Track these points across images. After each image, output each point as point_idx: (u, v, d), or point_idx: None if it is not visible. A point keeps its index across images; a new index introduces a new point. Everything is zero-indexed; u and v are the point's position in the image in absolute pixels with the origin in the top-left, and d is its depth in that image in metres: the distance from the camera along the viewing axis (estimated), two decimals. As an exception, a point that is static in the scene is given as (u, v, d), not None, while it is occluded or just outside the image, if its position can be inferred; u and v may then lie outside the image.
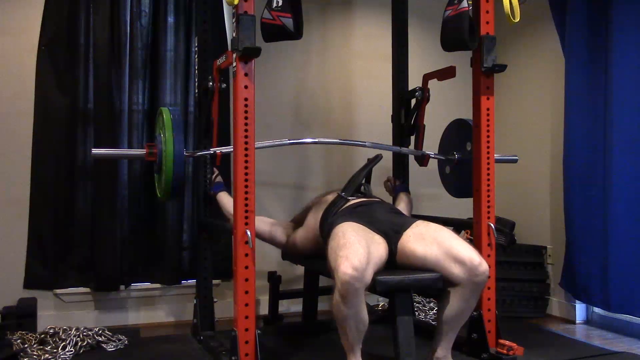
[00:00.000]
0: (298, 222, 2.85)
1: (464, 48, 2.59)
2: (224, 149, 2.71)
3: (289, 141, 2.97)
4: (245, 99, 2.23)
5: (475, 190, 2.66)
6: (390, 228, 2.36)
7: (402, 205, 3.09)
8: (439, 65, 3.09)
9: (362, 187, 2.77)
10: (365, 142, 3.09)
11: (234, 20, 2.23)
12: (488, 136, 2.63)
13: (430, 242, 2.26)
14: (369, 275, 2.07)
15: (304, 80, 3.78)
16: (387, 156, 3.17)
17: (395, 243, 2.32)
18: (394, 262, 2.32)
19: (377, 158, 3.00)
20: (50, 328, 2.87)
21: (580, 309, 3.42)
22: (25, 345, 2.74)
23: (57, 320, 3.09)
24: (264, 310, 3.39)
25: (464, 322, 2.33)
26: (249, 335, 2.22)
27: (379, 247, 2.24)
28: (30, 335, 2.85)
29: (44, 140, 3.19)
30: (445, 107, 3.55)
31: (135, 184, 3.36)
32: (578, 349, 2.85)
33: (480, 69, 2.59)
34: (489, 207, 2.63)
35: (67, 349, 2.69)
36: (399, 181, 3.30)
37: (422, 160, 3.16)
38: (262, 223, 2.81)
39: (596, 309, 3.35)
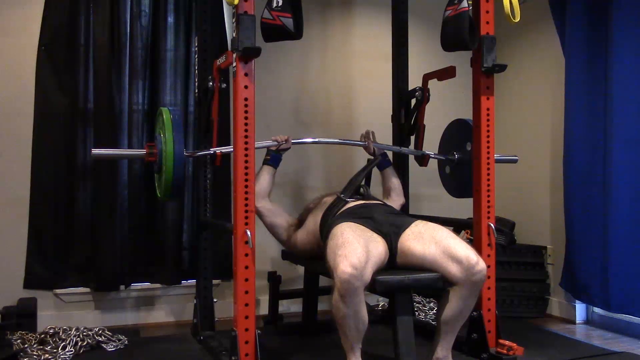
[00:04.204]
0: (300, 221, 2.86)
1: (464, 48, 2.59)
2: (224, 149, 2.71)
3: (288, 141, 2.97)
4: (245, 99, 2.23)
5: (475, 190, 2.66)
6: (390, 228, 2.36)
7: (395, 183, 3.06)
8: (439, 65, 3.09)
9: (361, 189, 2.77)
10: (365, 142, 3.10)
11: (234, 20, 2.23)
12: (488, 136, 2.64)
13: (429, 241, 2.27)
14: (368, 274, 2.07)
15: (304, 80, 3.78)
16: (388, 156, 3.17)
17: (395, 243, 2.32)
18: (394, 262, 2.32)
19: (376, 160, 3.01)
20: (50, 328, 2.87)
21: (580, 309, 3.42)
22: (25, 345, 2.74)
23: (57, 320, 3.08)
24: (264, 310, 3.39)
25: (463, 322, 2.34)
26: (249, 335, 2.22)
27: (377, 246, 2.24)
28: (30, 335, 2.85)
29: (44, 140, 3.19)
30: (445, 107, 3.55)
31: (135, 184, 3.36)
32: (578, 349, 2.85)
33: (480, 69, 2.59)
34: (489, 207, 2.63)
35: (67, 349, 2.69)
36: (379, 150, 3.08)
37: (422, 160, 3.16)
38: (266, 203, 2.81)
39: (596, 309, 3.35)
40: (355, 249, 2.09)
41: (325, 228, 2.47)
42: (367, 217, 2.42)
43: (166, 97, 3.41)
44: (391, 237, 2.33)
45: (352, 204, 2.59)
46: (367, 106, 3.85)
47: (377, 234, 2.33)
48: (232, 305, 2.29)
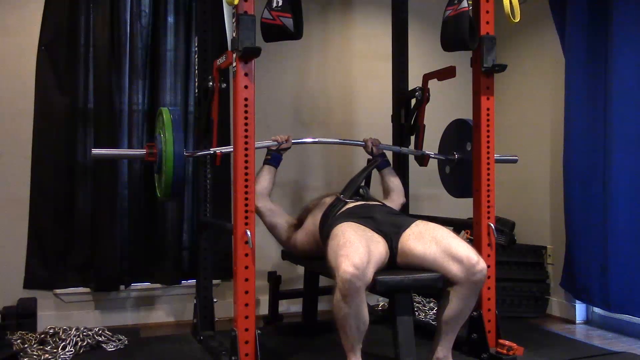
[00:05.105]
0: (299, 221, 2.86)
1: (464, 48, 2.59)
2: (224, 149, 2.71)
3: (288, 141, 2.97)
4: (245, 99, 2.23)
5: (475, 190, 2.66)
6: (390, 228, 2.36)
7: (394, 182, 3.06)
8: (439, 65, 3.09)
9: (361, 190, 2.77)
10: (363, 142, 3.09)
11: (234, 20, 2.23)
12: (488, 136, 2.64)
13: (429, 241, 2.27)
14: (369, 274, 2.07)
15: (304, 80, 3.78)
16: (387, 156, 3.17)
17: (396, 242, 2.32)
18: (395, 262, 2.32)
19: (376, 161, 3.01)
20: (50, 328, 2.87)
21: (580, 309, 3.41)
22: (25, 345, 2.74)
23: (57, 320, 3.09)
24: (264, 310, 3.39)
25: (463, 321, 2.34)
26: (249, 335, 2.22)
27: (378, 246, 2.24)
28: (30, 335, 2.85)
29: (44, 140, 3.19)
30: (445, 107, 3.55)
31: (135, 184, 3.36)
32: (578, 349, 2.85)
33: (480, 69, 2.59)
34: (489, 207, 2.63)
35: (67, 349, 2.69)
36: (377, 149, 3.08)
37: (422, 160, 3.16)
38: (267, 203, 2.82)
39: (596, 309, 3.35)
40: (357, 249, 2.09)
41: (325, 228, 2.47)
42: (367, 217, 2.42)
43: (166, 97, 3.40)
44: (391, 237, 2.33)
45: (351, 204, 2.59)
46: (367, 106, 3.85)
47: (378, 234, 2.33)
48: (232, 305, 2.29)
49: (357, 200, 2.65)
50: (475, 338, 2.60)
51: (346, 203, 2.61)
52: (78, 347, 2.73)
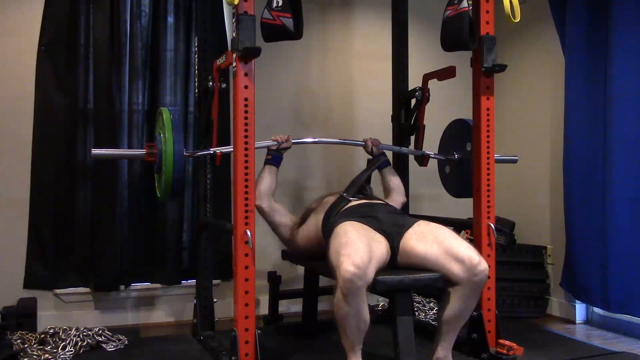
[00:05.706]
0: (302, 220, 2.85)
1: (464, 48, 2.59)
2: (224, 149, 2.71)
3: (288, 141, 2.97)
4: (245, 99, 2.23)
5: (475, 190, 2.66)
6: (392, 227, 2.36)
7: (395, 181, 3.05)
8: (439, 65, 3.09)
9: (364, 189, 2.77)
10: (363, 142, 3.09)
11: (234, 20, 2.23)
12: (488, 136, 2.64)
13: (431, 241, 2.27)
14: (370, 273, 2.07)
15: (304, 80, 3.78)
16: (387, 156, 3.17)
17: (397, 242, 2.32)
18: (396, 261, 2.32)
19: (379, 160, 3.01)
20: (50, 328, 2.87)
21: (580, 309, 3.42)
22: (25, 345, 2.74)
23: (57, 320, 3.09)
24: (264, 310, 3.39)
25: (464, 322, 2.34)
26: (249, 335, 2.22)
27: (380, 246, 2.24)
28: (30, 335, 2.85)
29: (44, 140, 3.19)
30: (445, 107, 3.55)
31: (135, 184, 3.36)
32: (578, 349, 2.85)
33: (480, 69, 2.59)
34: (489, 207, 2.63)
35: (67, 349, 2.69)
36: (377, 149, 3.08)
37: (422, 160, 3.16)
38: (271, 202, 2.81)
39: (596, 309, 3.35)
40: (358, 249, 2.09)
41: (328, 226, 2.46)
42: (370, 216, 2.41)
43: (166, 97, 3.41)
44: (393, 237, 2.33)
45: (354, 202, 2.59)
46: (367, 106, 3.85)
47: (380, 233, 2.33)
48: (232, 305, 2.29)
49: (360, 199, 2.65)
50: (475, 338, 2.60)
51: (349, 201, 2.60)
52: (78, 347, 2.74)
